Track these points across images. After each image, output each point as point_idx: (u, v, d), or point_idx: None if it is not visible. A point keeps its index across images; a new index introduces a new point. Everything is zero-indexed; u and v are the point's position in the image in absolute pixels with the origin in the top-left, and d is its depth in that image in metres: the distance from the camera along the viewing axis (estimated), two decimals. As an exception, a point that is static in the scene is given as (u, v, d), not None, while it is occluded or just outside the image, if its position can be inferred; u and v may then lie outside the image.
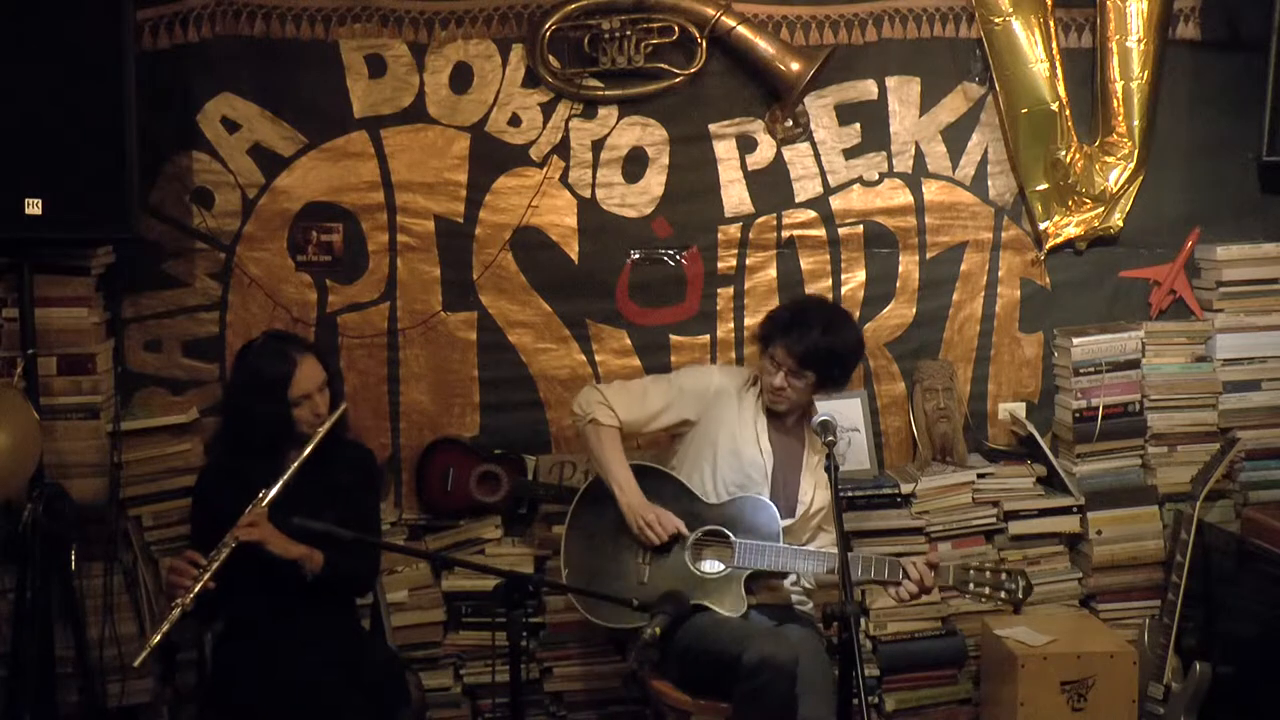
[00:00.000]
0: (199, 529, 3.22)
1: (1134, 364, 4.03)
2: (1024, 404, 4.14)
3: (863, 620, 3.85)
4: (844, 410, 3.92)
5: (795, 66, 3.84)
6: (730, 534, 3.31)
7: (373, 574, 3.40)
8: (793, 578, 3.41)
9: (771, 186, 4.01)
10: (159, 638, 2.95)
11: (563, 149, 3.93)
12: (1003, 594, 3.21)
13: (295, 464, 3.14)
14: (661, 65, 3.86)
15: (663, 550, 3.34)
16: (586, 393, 3.49)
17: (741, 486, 3.37)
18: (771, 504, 3.33)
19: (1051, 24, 3.95)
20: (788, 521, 3.34)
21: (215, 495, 3.19)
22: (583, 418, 3.44)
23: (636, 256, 4.00)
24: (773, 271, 4.04)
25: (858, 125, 4.01)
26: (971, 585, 3.23)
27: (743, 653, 3.02)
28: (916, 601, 3.70)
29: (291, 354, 3.21)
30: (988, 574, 3.23)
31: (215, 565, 2.98)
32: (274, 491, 3.10)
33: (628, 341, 4.01)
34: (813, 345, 3.30)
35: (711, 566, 3.33)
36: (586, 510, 3.47)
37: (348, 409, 3.33)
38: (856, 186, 4.03)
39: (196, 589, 2.95)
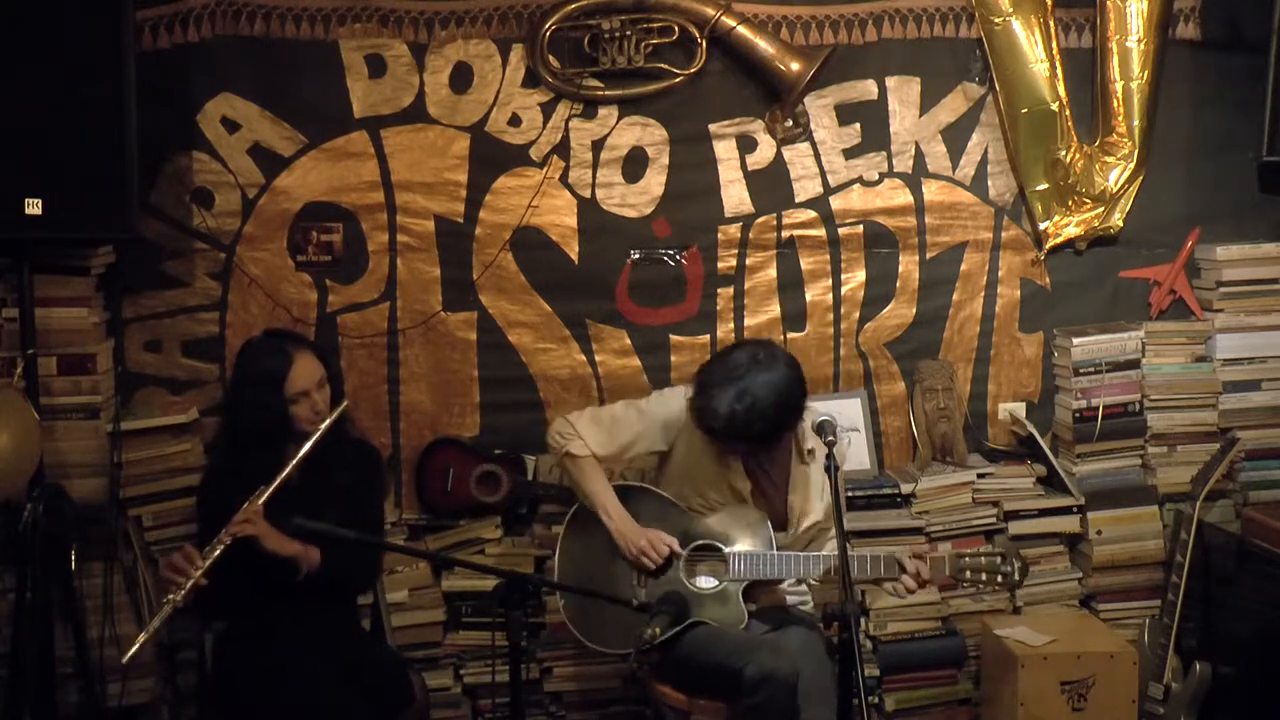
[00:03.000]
0: (204, 527, 3.23)
1: (1134, 364, 4.03)
2: (1024, 404, 4.14)
3: (863, 620, 3.85)
4: (844, 410, 3.91)
5: (795, 66, 3.84)
6: (722, 547, 3.28)
7: (373, 574, 3.41)
8: (790, 579, 3.40)
9: (771, 186, 4.00)
10: (150, 633, 2.95)
11: (563, 149, 3.93)
12: (1000, 577, 3.19)
13: (294, 461, 3.14)
14: (661, 65, 3.86)
15: (658, 571, 3.31)
16: (558, 424, 3.42)
17: (725, 505, 3.33)
18: (761, 512, 3.30)
19: (1051, 24, 3.95)
20: (780, 536, 3.30)
21: (218, 494, 3.19)
22: (558, 451, 3.39)
23: (636, 256, 3.99)
24: (773, 271, 4.04)
25: (858, 125, 4.01)
26: (968, 573, 3.21)
27: (744, 667, 3.01)
28: (917, 598, 3.72)
29: (288, 350, 3.22)
30: (983, 559, 3.21)
31: (209, 561, 2.99)
32: (271, 488, 3.10)
33: (628, 341, 4.01)
34: (725, 427, 3.14)
35: (707, 582, 3.30)
36: (575, 537, 3.43)
37: (349, 407, 3.33)
38: (856, 186, 4.03)
39: (189, 585, 2.95)
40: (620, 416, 3.41)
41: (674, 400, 3.39)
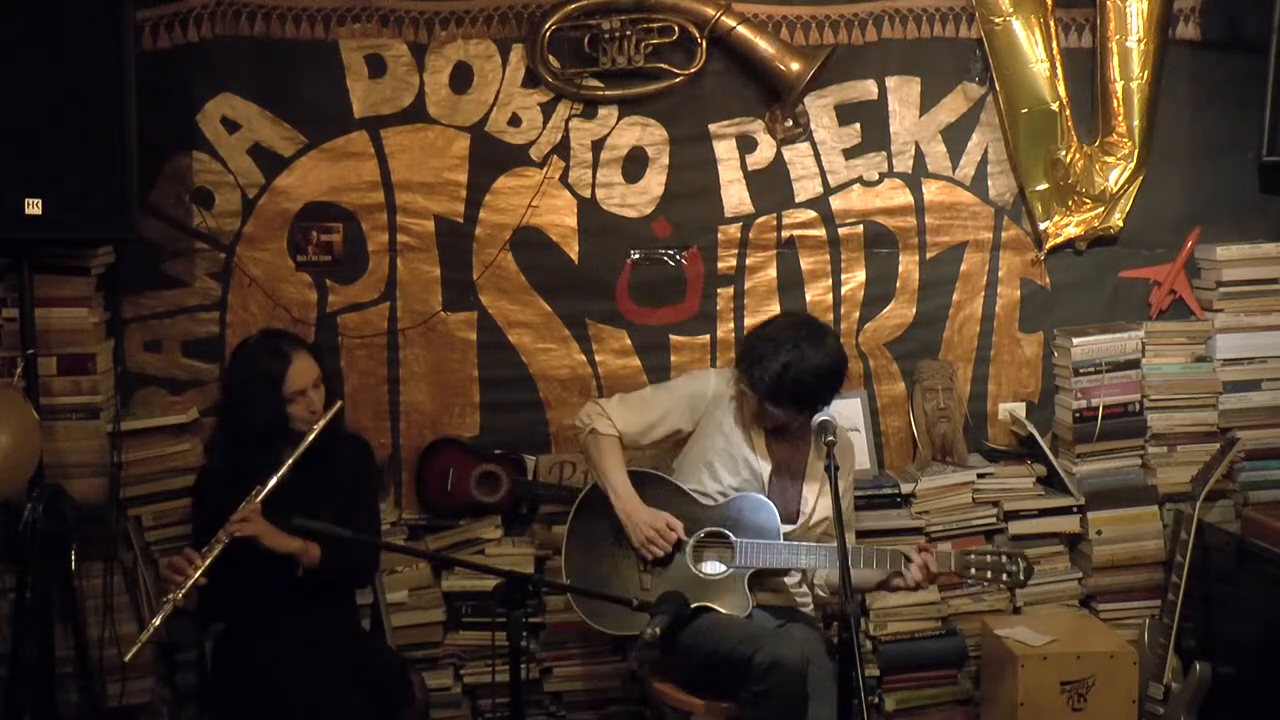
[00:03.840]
0: (199, 528, 3.23)
1: (1134, 364, 4.03)
2: (1024, 404, 4.14)
3: (863, 620, 3.85)
4: (844, 410, 3.92)
5: (795, 66, 3.84)
6: (730, 534, 3.30)
7: (372, 568, 3.42)
8: (796, 577, 3.40)
9: (771, 186, 4.01)
10: (150, 633, 2.97)
11: (563, 149, 3.93)
12: (1005, 576, 3.22)
13: (290, 460, 3.15)
14: (661, 65, 3.86)
15: (664, 560, 3.32)
16: (588, 406, 3.48)
17: (740, 491, 3.35)
18: (770, 502, 3.31)
19: (1051, 24, 3.95)
20: (789, 528, 3.32)
21: (213, 494, 3.20)
22: (584, 429, 3.43)
23: (636, 256, 4.00)
24: (773, 271, 4.04)
25: (858, 125, 4.01)
26: (973, 570, 3.23)
27: (754, 654, 3.02)
28: (917, 597, 3.75)
29: (285, 350, 3.23)
30: (989, 558, 3.24)
31: (208, 561, 3.00)
32: (268, 487, 3.11)
33: (628, 341, 4.01)
34: (774, 381, 3.20)
35: (713, 568, 3.31)
36: (585, 519, 3.44)
37: (343, 406, 3.34)
38: (856, 186, 4.03)
39: (188, 585, 2.97)
40: (648, 396, 3.49)
41: (702, 379, 3.46)
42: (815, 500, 3.38)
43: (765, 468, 3.36)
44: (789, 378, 3.19)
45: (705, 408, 3.40)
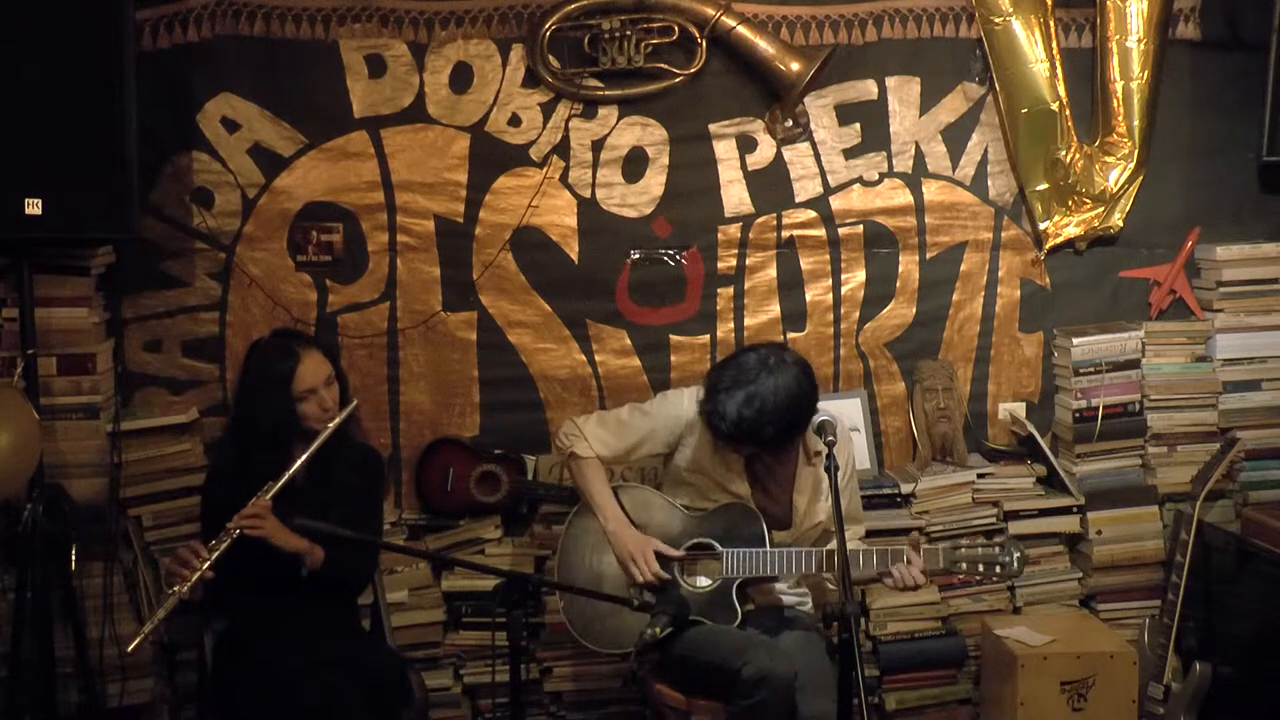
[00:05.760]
0: (208, 527, 3.23)
1: (1134, 364, 4.03)
2: (1024, 404, 4.14)
3: (863, 620, 3.85)
4: (844, 410, 3.91)
5: (795, 66, 3.84)
6: (717, 545, 3.29)
7: (368, 575, 3.42)
8: (785, 576, 3.39)
9: (771, 186, 4.00)
10: (154, 624, 2.98)
11: (563, 149, 3.93)
12: (997, 568, 3.16)
13: (302, 458, 3.15)
14: (661, 65, 3.86)
15: (651, 585, 3.29)
16: (566, 426, 3.45)
17: (724, 506, 3.33)
18: (756, 509, 3.29)
19: (1051, 24, 3.95)
20: (783, 534, 3.31)
21: (224, 492, 3.21)
22: (564, 451, 3.42)
23: (636, 256, 4.00)
24: (773, 271, 4.04)
25: (858, 125, 4.01)
26: (963, 565, 3.18)
27: (742, 667, 3.02)
28: (917, 598, 3.76)
29: (295, 349, 3.24)
30: (980, 550, 3.19)
31: (215, 555, 3.01)
32: (279, 484, 3.11)
33: (628, 341, 4.02)
34: (734, 429, 3.13)
35: (702, 581, 3.30)
36: (579, 533, 3.42)
37: (359, 406, 3.34)
38: (856, 186, 4.03)
39: (194, 577, 2.97)
40: (626, 420, 3.43)
41: (677, 402, 3.40)
42: (806, 509, 3.37)
43: (745, 488, 3.34)
44: (746, 426, 3.13)
45: (681, 432, 3.36)
